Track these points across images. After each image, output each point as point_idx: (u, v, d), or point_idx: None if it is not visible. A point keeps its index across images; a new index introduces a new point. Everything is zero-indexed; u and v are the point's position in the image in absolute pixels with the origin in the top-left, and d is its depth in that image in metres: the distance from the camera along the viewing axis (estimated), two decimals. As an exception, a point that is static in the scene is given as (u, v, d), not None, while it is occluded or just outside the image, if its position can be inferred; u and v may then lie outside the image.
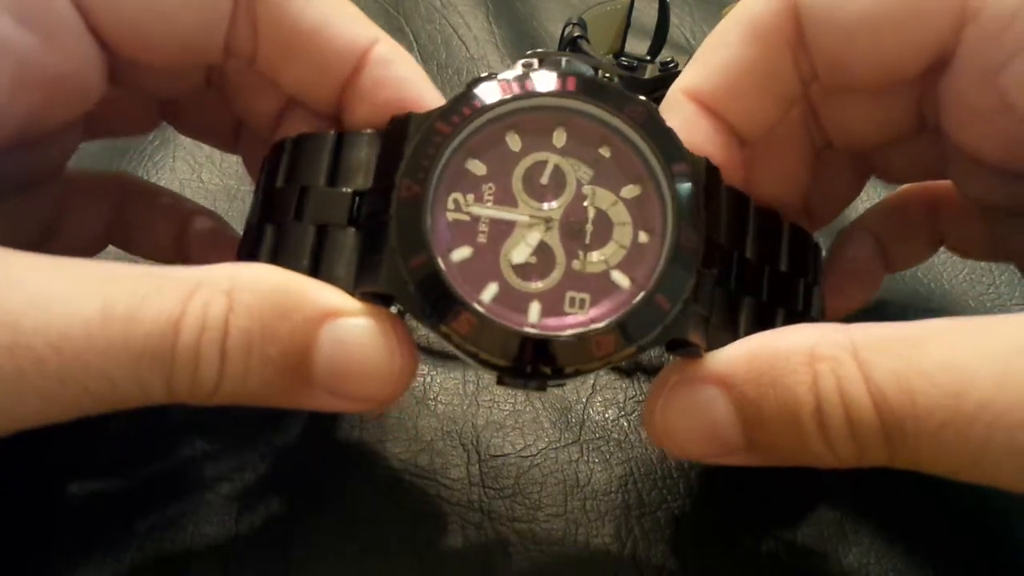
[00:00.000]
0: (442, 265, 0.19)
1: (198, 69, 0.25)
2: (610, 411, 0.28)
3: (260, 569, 0.23)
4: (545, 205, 0.20)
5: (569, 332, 0.19)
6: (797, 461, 0.19)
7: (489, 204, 0.20)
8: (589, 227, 0.20)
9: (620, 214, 0.20)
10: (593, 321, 0.19)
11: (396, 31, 0.47)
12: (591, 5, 0.43)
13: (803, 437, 0.19)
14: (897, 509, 0.25)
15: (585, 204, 0.20)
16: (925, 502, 0.25)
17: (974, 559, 0.24)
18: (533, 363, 0.19)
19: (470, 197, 0.20)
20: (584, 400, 0.28)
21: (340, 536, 0.24)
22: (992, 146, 0.22)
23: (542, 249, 0.20)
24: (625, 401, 0.28)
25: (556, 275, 0.20)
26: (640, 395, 0.29)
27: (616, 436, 0.27)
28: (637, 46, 0.45)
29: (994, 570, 0.24)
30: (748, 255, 0.22)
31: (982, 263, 0.34)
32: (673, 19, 0.46)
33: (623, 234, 0.20)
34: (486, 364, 0.19)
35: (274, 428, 0.27)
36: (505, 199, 0.20)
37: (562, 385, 0.20)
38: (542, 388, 0.20)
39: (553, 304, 0.20)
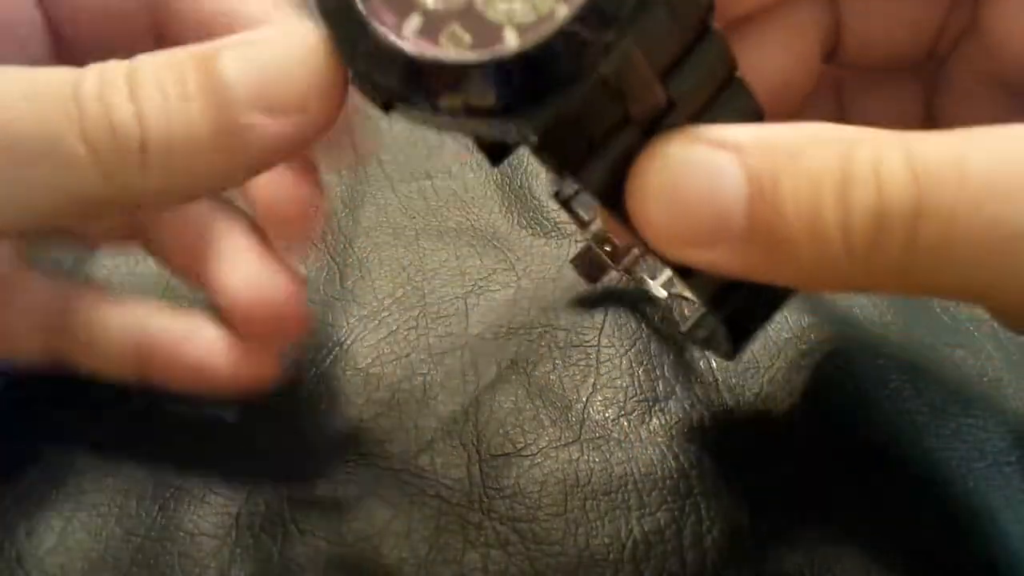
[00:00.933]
0: None
1: None
2: (610, 410, 0.28)
3: (258, 570, 0.23)
4: None
5: (413, 51, 0.17)
6: (796, 258, 0.16)
7: None
8: None
9: None
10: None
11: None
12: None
13: (818, 215, 0.15)
14: (891, 519, 0.25)
15: None
16: (925, 511, 0.25)
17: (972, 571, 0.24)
18: (376, 70, 0.17)
19: None
20: (584, 399, 0.28)
21: (338, 537, 0.24)
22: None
23: None
24: (625, 400, 0.28)
25: (455, 3, 0.18)
26: (640, 394, 0.29)
27: (616, 436, 0.27)
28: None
29: None
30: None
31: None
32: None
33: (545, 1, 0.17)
34: (339, 49, 0.18)
35: (271, 428, 0.27)
36: None
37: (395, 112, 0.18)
38: (384, 105, 0.18)
39: (433, 28, 0.18)
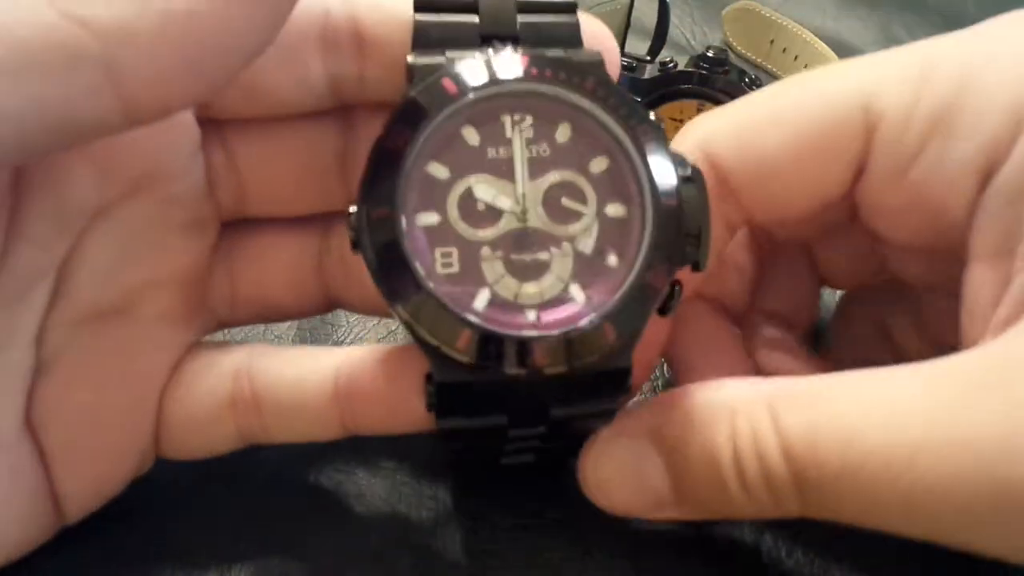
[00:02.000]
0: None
1: None
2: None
3: (258, 571, 0.23)
4: (538, 212, 0.20)
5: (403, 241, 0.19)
6: (722, 512, 0.21)
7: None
8: (525, 257, 0.20)
9: (561, 268, 0.20)
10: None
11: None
12: (591, 5, 0.43)
13: (724, 487, 0.20)
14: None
15: (550, 250, 0.20)
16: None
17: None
18: (368, 233, 0.19)
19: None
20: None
21: (339, 538, 0.24)
22: (908, 235, 0.22)
23: (493, 210, 0.20)
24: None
25: (462, 237, 0.19)
26: (640, 394, 0.29)
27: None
28: (637, 46, 0.45)
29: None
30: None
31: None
32: (673, 19, 0.46)
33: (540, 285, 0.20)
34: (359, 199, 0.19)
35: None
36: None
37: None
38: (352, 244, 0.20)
39: (436, 238, 0.19)
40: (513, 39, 0.20)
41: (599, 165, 0.20)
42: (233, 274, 0.24)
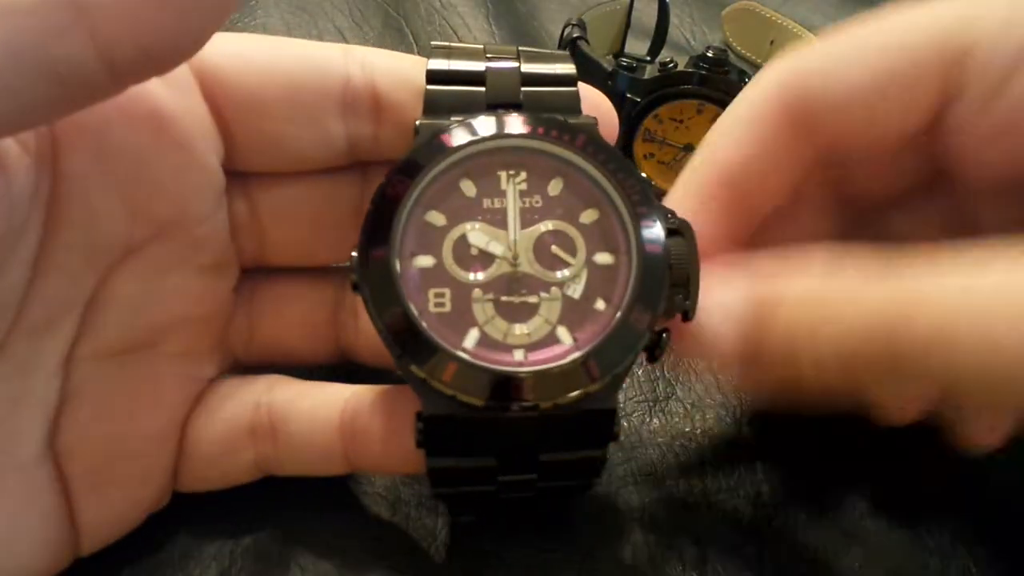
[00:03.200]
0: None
1: None
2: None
3: (258, 570, 0.23)
4: (529, 258, 0.21)
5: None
6: (778, 384, 0.21)
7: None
8: (515, 299, 0.20)
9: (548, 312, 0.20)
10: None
11: (396, 31, 0.47)
12: (591, 5, 0.43)
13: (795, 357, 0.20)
14: (902, 509, 0.25)
15: (539, 294, 0.20)
16: (932, 500, 0.25)
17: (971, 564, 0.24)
18: (369, 276, 0.20)
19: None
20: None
21: (340, 538, 0.24)
22: (993, 168, 0.22)
23: (486, 255, 0.21)
24: (625, 401, 0.28)
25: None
26: (639, 395, 0.29)
27: (616, 436, 0.27)
28: (637, 46, 0.45)
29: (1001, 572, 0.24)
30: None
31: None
32: (673, 19, 0.46)
33: (530, 327, 0.20)
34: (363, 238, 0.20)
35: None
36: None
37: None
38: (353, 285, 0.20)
39: (431, 279, 0.20)
40: (516, 107, 0.21)
41: (589, 216, 0.21)
42: (252, 318, 0.25)
